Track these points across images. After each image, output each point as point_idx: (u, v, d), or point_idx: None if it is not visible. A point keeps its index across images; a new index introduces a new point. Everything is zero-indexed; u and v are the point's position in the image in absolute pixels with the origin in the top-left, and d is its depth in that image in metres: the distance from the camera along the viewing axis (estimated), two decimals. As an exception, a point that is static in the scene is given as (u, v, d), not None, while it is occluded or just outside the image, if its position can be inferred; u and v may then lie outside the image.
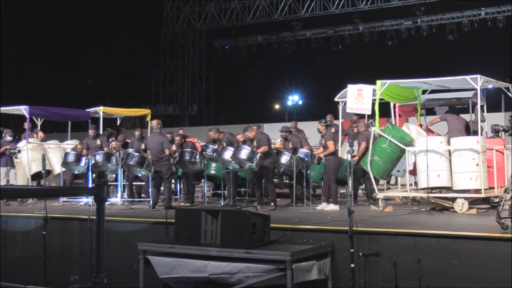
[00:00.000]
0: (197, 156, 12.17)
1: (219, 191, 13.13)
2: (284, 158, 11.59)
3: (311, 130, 15.69)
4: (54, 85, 32.18)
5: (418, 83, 11.17)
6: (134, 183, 13.54)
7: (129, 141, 14.18)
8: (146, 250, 8.37)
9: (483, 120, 11.77)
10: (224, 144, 12.15)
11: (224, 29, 30.37)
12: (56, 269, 9.87)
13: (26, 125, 14.28)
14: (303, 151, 11.56)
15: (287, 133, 12.22)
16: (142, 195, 13.91)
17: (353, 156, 10.98)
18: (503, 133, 8.54)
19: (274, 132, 13.70)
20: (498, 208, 7.55)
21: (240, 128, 15.49)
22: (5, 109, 14.89)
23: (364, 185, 12.21)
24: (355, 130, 12.47)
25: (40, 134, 14.79)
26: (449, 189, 10.01)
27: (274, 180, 12.09)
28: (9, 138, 13.35)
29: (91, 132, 13.85)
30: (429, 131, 10.98)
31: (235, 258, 7.61)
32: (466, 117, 12.05)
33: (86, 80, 36.81)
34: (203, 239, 7.96)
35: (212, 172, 12.91)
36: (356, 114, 12.64)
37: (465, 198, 9.66)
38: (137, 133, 13.91)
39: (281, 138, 12.49)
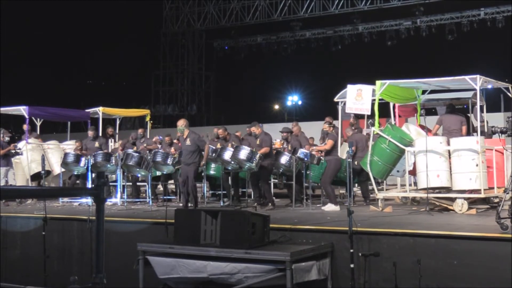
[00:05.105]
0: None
1: (218, 192, 13.15)
2: (284, 159, 11.60)
3: (311, 130, 15.71)
4: (53, 85, 32.19)
5: (417, 83, 11.18)
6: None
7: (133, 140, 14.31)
8: (145, 251, 8.37)
9: (482, 120, 11.77)
10: (230, 145, 12.16)
11: (224, 29, 30.39)
12: (56, 269, 9.88)
13: (26, 125, 14.29)
14: (302, 152, 11.57)
15: (288, 133, 12.21)
16: (142, 194, 13.94)
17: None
18: (500, 134, 8.53)
19: (273, 132, 13.71)
20: (498, 208, 7.55)
21: (240, 128, 15.53)
22: (5, 110, 14.89)
23: (360, 187, 12.32)
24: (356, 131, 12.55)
25: (39, 140, 14.80)
26: (448, 189, 10.02)
27: (273, 180, 12.10)
28: (6, 138, 13.36)
29: (90, 133, 13.82)
30: (428, 131, 10.99)
31: (235, 259, 7.61)
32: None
33: (85, 80, 36.81)
34: (202, 240, 7.96)
35: (212, 172, 12.91)
36: (355, 115, 12.66)
37: (465, 198, 9.67)
38: (140, 130, 14.13)
39: (282, 139, 12.50)
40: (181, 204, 12.35)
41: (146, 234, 9.31)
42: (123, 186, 12.96)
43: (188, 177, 11.14)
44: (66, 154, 13.31)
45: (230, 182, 12.27)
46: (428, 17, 26.77)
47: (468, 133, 11.39)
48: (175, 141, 13.71)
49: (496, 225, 7.35)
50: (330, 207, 10.78)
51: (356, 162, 11.15)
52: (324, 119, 12.68)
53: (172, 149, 13.12)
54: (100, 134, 14.63)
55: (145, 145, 13.53)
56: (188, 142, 11.25)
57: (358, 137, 11.94)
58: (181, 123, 11.49)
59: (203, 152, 11.26)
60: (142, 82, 33.77)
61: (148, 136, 14.76)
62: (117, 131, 16.40)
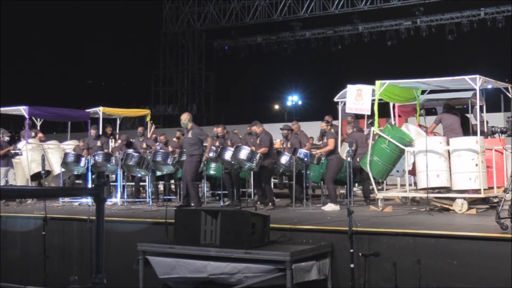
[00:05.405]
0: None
1: (218, 191, 13.15)
2: (284, 159, 11.59)
3: (311, 130, 15.71)
4: (53, 85, 32.18)
5: (417, 83, 11.18)
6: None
7: (133, 140, 14.31)
8: (145, 251, 8.37)
9: (481, 120, 11.78)
10: (229, 142, 12.17)
11: (224, 29, 30.40)
12: (56, 269, 9.88)
13: (26, 125, 14.29)
14: (302, 151, 11.57)
15: (288, 131, 12.20)
16: (143, 194, 13.94)
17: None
18: (500, 134, 8.54)
19: (273, 132, 13.71)
20: (498, 208, 7.55)
21: (240, 128, 15.52)
22: (5, 110, 14.89)
23: (362, 185, 12.31)
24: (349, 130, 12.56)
25: (40, 135, 14.81)
26: (448, 189, 10.02)
27: (274, 180, 12.08)
28: (6, 138, 13.37)
29: (92, 132, 13.82)
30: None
31: (235, 259, 7.60)
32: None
33: (86, 80, 36.81)
34: (202, 239, 7.96)
35: (212, 172, 12.92)
36: (354, 115, 12.67)
37: (465, 198, 9.67)
38: (140, 129, 14.17)
39: (282, 136, 12.51)
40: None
41: (146, 234, 9.31)
42: (123, 186, 12.96)
43: (187, 169, 11.02)
44: (66, 154, 13.31)
45: (230, 178, 12.26)
46: (428, 17, 26.77)
47: (467, 133, 11.39)
48: (174, 139, 13.72)
49: (496, 225, 7.35)
50: (330, 207, 10.78)
51: (358, 159, 11.15)
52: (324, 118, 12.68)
53: (170, 147, 13.14)
54: (101, 133, 14.67)
55: (145, 144, 13.54)
56: (190, 135, 11.26)
57: (358, 135, 11.96)
58: (185, 116, 11.50)
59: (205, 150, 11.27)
60: (142, 82, 33.78)
61: (148, 136, 14.79)
62: (117, 131, 16.41)
